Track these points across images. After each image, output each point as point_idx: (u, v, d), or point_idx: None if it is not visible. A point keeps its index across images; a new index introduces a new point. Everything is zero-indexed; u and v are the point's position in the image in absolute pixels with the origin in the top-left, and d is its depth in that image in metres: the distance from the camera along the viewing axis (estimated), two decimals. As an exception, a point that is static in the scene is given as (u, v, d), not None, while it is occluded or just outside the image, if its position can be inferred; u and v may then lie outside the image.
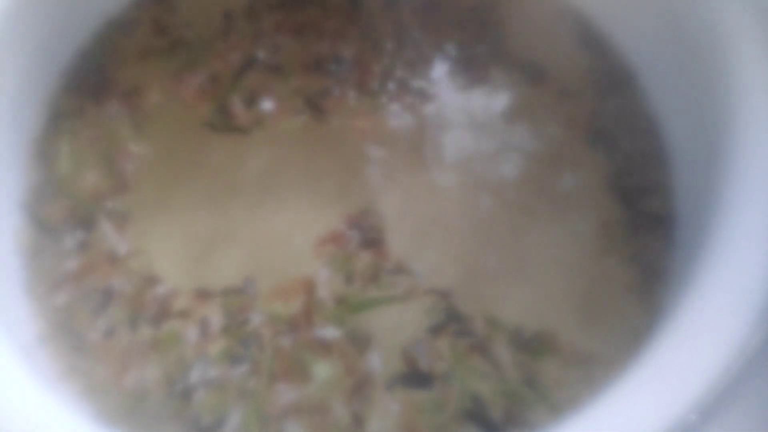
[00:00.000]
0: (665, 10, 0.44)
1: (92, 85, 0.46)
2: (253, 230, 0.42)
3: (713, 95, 0.39)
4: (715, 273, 0.34)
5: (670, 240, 0.41)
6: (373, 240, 0.42)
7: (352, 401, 0.38)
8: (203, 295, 0.41)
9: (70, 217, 0.43)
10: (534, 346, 0.39)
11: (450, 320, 0.39)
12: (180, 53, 0.47)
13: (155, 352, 0.39)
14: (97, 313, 0.40)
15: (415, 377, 0.38)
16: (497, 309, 0.40)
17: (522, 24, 0.48)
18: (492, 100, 0.46)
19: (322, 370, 0.38)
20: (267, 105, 0.46)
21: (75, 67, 0.46)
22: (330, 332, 0.39)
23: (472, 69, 0.47)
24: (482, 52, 0.47)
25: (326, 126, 0.45)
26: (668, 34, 0.43)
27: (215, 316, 0.40)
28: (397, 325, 0.40)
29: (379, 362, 0.39)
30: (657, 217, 0.42)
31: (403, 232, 0.42)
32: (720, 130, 0.38)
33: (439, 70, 0.47)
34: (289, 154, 0.44)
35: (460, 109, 0.46)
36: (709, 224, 0.36)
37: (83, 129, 0.45)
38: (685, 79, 0.42)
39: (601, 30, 0.47)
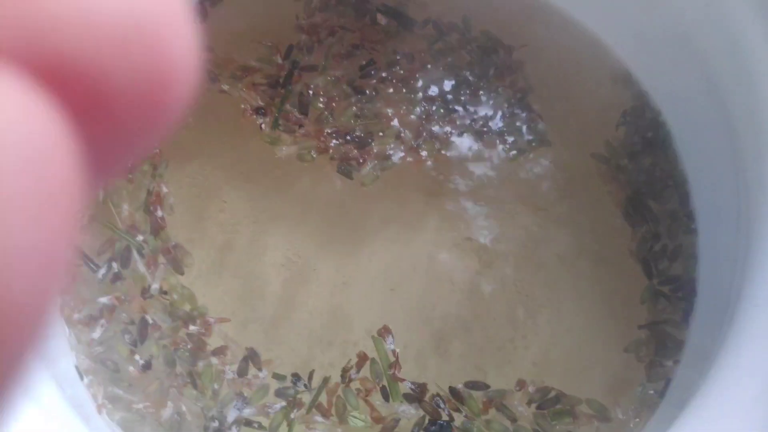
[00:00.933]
0: (700, 69, 0.44)
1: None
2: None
3: (745, 159, 0.40)
4: (735, 349, 0.35)
5: (689, 310, 0.43)
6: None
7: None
8: (241, 332, 0.42)
9: (106, 248, 0.43)
10: (551, 405, 0.41)
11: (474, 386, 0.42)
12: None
13: (191, 387, 0.41)
14: (135, 347, 0.42)
15: (437, 427, 0.41)
16: (517, 369, 0.42)
17: (554, 81, 0.49)
18: (521, 161, 0.47)
19: (359, 415, 0.41)
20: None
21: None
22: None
23: (507, 133, 0.48)
24: (517, 112, 0.48)
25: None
26: (702, 94, 0.44)
27: (251, 355, 0.42)
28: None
29: (405, 412, 0.41)
30: (678, 284, 0.44)
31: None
32: (750, 196, 0.39)
33: (472, 137, 0.48)
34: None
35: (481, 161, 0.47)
36: (730, 294, 0.38)
37: (120, 158, 0.45)
38: (717, 141, 0.43)
39: (638, 88, 0.48)
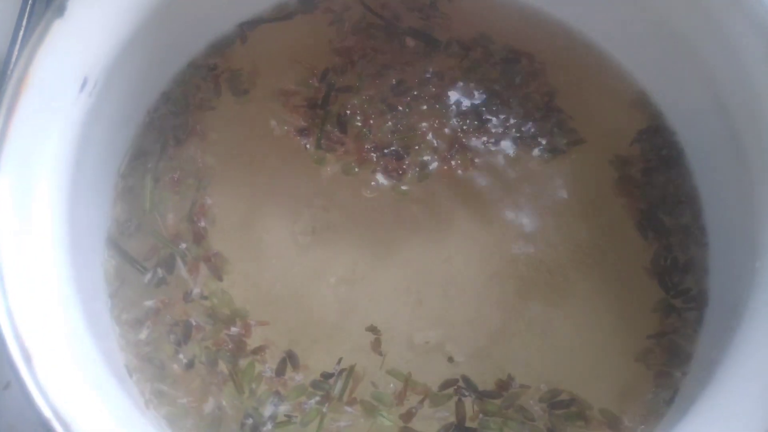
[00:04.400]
0: (711, 91, 0.46)
1: (174, 126, 0.49)
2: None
3: (754, 176, 0.42)
4: (742, 361, 0.36)
5: (699, 322, 0.45)
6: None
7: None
8: (277, 335, 0.45)
9: (151, 254, 0.47)
10: (564, 407, 0.44)
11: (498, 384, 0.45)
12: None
13: (231, 385, 0.44)
14: (179, 347, 0.45)
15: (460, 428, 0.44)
16: (538, 373, 0.45)
17: (575, 99, 0.51)
18: (548, 167, 0.50)
19: (388, 416, 0.44)
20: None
21: (159, 107, 0.49)
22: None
23: (533, 142, 0.50)
24: (545, 127, 0.51)
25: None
26: (713, 115, 0.46)
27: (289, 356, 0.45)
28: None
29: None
30: (689, 297, 0.46)
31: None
32: (760, 212, 0.41)
33: (505, 145, 0.50)
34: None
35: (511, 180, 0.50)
36: (740, 308, 0.39)
37: (165, 171, 0.48)
38: (728, 160, 0.45)
39: (654, 109, 0.51)
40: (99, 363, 0.37)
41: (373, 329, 0.46)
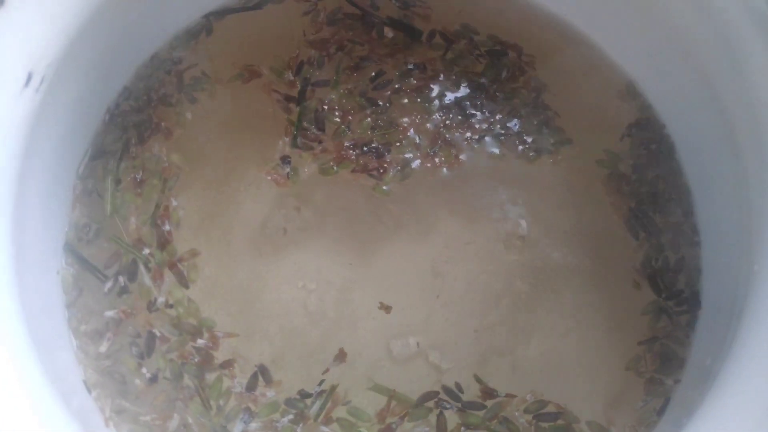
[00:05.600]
0: (704, 84, 0.44)
1: (136, 124, 0.46)
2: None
3: (748, 172, 0.40)
4: (737, 370, 0.34)
5: (692, 326, 0.43)
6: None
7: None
8: (248, 347, 0.43)
9: (112, 261, 0.44)
10: (550, 420, 0.42)
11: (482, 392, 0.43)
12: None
13: (198, 401, 0.42)
14: (142, 360, 0.42)
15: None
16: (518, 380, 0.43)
17: (563, 94, 0.49)
18: (535, 166, 0.47)
19: (368, 430, 0.41)
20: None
21: (120, 103, 0.46)
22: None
23: (519, 140, 0.48)
24: (531, 124, 0.48)
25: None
26: (706, 108, 0.44)
27: (261, 371, 0.42)
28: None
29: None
30: (682, 299, 0.44)
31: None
32: (753, 209, 0.38)
33: (490, 141, 0.48)
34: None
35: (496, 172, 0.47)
36: (736, 311, 0.37)
37: (127, 171, 0.45)
38: (721, 155, 0.43)
39: (643, 102, 0.48)
40: (44, 384, 0.34)
41: (351, 338, 0.43)
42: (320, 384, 0.42)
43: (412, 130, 0.48)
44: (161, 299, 0.43)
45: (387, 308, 0.44)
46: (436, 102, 0.48)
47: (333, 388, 0.42)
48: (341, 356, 0.43)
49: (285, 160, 0.46)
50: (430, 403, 0.42)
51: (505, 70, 0.49)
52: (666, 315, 0.44)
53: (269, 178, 0.46)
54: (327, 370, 0.43)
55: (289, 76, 0.48)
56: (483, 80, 0.49)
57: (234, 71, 0.48)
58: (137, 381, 0.42)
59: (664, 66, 0.46)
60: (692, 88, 0.44)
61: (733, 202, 0.42)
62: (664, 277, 0.45)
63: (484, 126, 0.48)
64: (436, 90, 0.48)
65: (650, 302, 0.45)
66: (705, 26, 0.40)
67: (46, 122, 0.39)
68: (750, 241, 0.39)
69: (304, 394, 0.42)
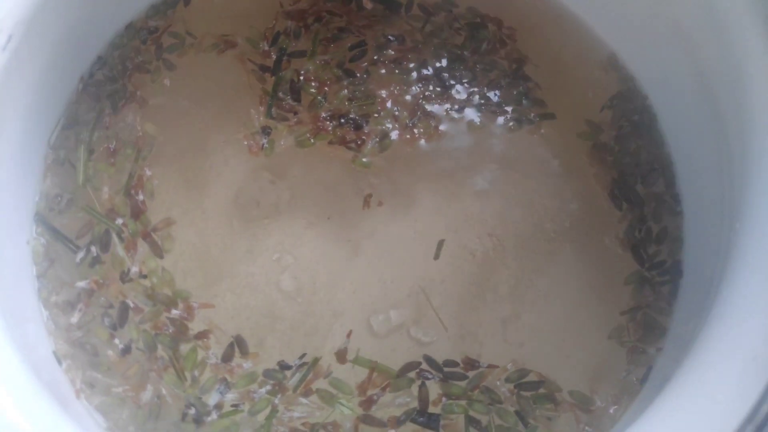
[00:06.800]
0: (688, 54, 0.43)
1: (110, 93, 0.45)
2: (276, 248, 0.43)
3: (731, 142, 0.39)
4: (716, 336, 0.34)
5: (674, 295, 0.43)
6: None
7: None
8: (223, 319, 0.42)
9: (84, 231, 0.43)
10: (532, 388, 0.41)
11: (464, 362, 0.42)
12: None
13: (172, 372, 0.40)
14: (114, 331, 0.41)
15: (425, 418, 0.41)
16: (503, 352, 0.42)
17: (544, 66, 0.49)
18: (515, 137, 0.47)
19: (347, 403, 0.40)
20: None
21: (93, 73, 0.45)
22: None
23: (499, 110, 0.48)
24: (511, 95, 0.48)
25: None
26: (689, 78, 0.43)
27: (238, 341, 0.41)
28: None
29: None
30: (664, 269, 0.44)
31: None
32: (735, 179, 0.38)
33: (470, 112, 0.47)
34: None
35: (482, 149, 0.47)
36: (716, 280, 0.36)
37: (100, 141, 0.44)
38: (704, 125, 0.42)
39: (625, 73, 0.48)
40: (13, 355, 0.32)
41: (332, 312, 0.42)
42: (301, 357, 0.41)
43: (390, 102, 0.47)
44: (135, 269, 0.42)
45: (378, 281, 0.43)
46: (415, 74, 0.48)
47: (316, 360, 0.41)
48: (334, 328, 0.42)
49: (265, 130, 0.46)
50: (412, 374, 0.41)
51: (486, 43, 0.49)
52: (649, 285, 0.44)
53: (245, 143, 0.45)
54: (303, 355, 0.41)
55: (264, 46, 0.47)
56: (463, 52, 0.48)
57: (210, 41, 0.47)
58: (109, 352, 0.41)
59: (647, 37, 0.45)
60: (675, 59, 0.44)
61: (714, 173, 0.42)
62: (647, 247, 0.45)
63: (464, 96, 0.47)
64: (414, 62, 0.48)
65: (633, 272, 0.44)
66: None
67: (14, 87, 0.38)
68: (731, 209, 0.39)
69: (283, 365, 0.41)
